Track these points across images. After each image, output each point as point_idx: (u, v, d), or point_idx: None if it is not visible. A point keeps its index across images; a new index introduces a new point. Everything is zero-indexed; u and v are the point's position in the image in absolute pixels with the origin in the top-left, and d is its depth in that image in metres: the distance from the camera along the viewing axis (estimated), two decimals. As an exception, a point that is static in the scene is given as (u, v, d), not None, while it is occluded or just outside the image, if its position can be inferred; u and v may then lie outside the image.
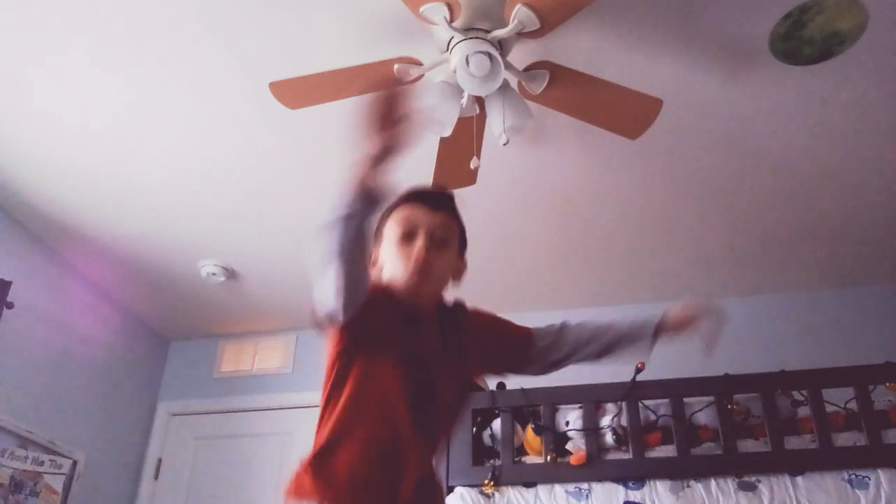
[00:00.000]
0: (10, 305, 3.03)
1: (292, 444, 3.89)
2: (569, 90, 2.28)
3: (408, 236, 1.36)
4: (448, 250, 1.40)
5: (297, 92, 2.29)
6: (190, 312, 4.07)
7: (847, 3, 2.16)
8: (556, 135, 2.77)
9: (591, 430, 2.67)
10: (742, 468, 2.52)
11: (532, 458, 2.72)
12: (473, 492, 2.58)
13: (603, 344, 1.50)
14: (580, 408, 2.76)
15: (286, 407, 3.99)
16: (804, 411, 2.69)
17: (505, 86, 2.19)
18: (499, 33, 2.07)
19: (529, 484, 2.61)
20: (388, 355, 1.29)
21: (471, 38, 2.07)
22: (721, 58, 2.43)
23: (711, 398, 2.71)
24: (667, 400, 2.73)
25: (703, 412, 2.72)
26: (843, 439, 2.56)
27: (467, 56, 2.03)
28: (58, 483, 3.33)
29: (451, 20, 2.04)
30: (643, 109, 2.34)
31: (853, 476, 2.42)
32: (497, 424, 2.79)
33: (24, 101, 2.64)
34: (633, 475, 2.57)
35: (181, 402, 4.17)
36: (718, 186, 3.06)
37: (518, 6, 2.00)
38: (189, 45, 2.41)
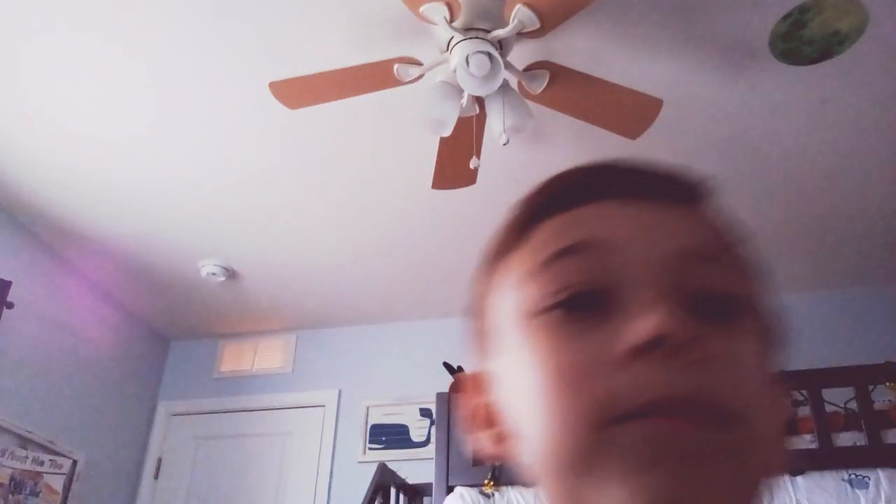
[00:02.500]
0: (10, 305, 3.03)
1: (292, 444, 3.90)
2: (569, 90, 2.28)
3: (584, 300, 0.37)
4: (742, 329, 0.37)
5: (297, 92, 2.29)
6: (190, 312, 4.07)
7: (847, 3, 2.16)
8: (556, 135, 2.77)
9: (591, 430, 2.68)
10: (742, 468, 2.52)
11: (532, 458, 2.73)
12: (473, 492, 2.58)
13: None
14: (580, 408, 2.76)
15: (286, 407, 3.99)
16: (804, 411, 2.69)
17: (505, 86, 2.19)
18: (499, 33, 2.07)
19: (529, 484, 2.61)
20: None
21: (471, 38, 2.07)
22: (721, 58, 2.43)
23: (711, 398, 2.71)
24: (667, 400, 2.73)
25: (703, 412, 2.72)
26: (843, 439, 2.56)
27: (467, 56, 2.03)
28: (58, 483, 3.33)
29: (451, 20, 2.04)
30: (643, 109, 2.34)
31: (853, 476, 2.41)
32: (497, 424, 2.80)
33: (24, 102, 2.64)
34: (633, 475, 2.57)
35: (181, 402, 4.16)
36: (718, 186, 3.05)
37: (518, 6, 2.00)
38: (188, 44, 2.40)
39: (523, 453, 0.39)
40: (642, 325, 0.34)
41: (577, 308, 0.37)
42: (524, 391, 0.38)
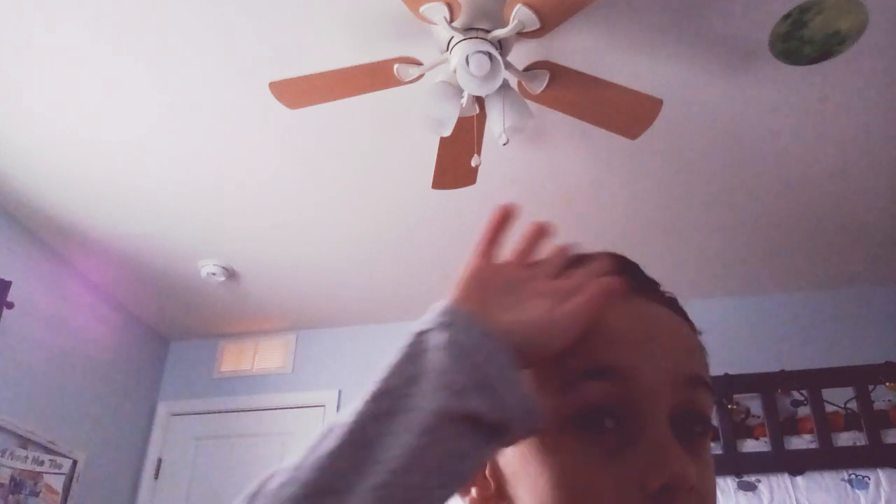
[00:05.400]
0: (10, 305, 3.03)
1: (292, 444, 3.90)
2: (569, 90, 2.28)
3: (594, 419, 0.46)
4: (706, 439, 0.50)
5: (297, 92, 2.29)
6: (190, 312, 4.07)
7: (847, 3, 2.16)
8: (556, 135, 2.77)
9: (591, 430, 2.68)
10: (742, 468, 2.52)
11: (532, 458, 2.73)
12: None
13: None
14: (580, 408, 2.76)
15: (286, 407, 3.99)
16: (804, 411, 2.70)
17: (505, 86, 2.19)
18: (499, 33, 2.07)
19: None
20: None
21: (471, 38, 2.07)
22: (721, 58, 2.43)
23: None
24: (667, 400, 2.73)
25: (703, 412, 2.72)
26: (843, 439, 2.56)
27: (467, 56, 2.03)
28: (58, 483, 3.33)
29: (451, 20, 2.04)
30: (643, 109, 2.34)
31: (853, 476, 2.42)
32: (497, 424, 2.80)
33: (23, 104, 2.64)
34: (633, 475, 2.57)
35: (181, 402, 4.16)
36: (718, 186, 3.06)
37: (518, 6, 2.00)
38: (188, 45, 2.40)
39: None
40: (664, 471, 0.42)
41: (600, 426, 0.45)
42: (539, 486, 0.45)
